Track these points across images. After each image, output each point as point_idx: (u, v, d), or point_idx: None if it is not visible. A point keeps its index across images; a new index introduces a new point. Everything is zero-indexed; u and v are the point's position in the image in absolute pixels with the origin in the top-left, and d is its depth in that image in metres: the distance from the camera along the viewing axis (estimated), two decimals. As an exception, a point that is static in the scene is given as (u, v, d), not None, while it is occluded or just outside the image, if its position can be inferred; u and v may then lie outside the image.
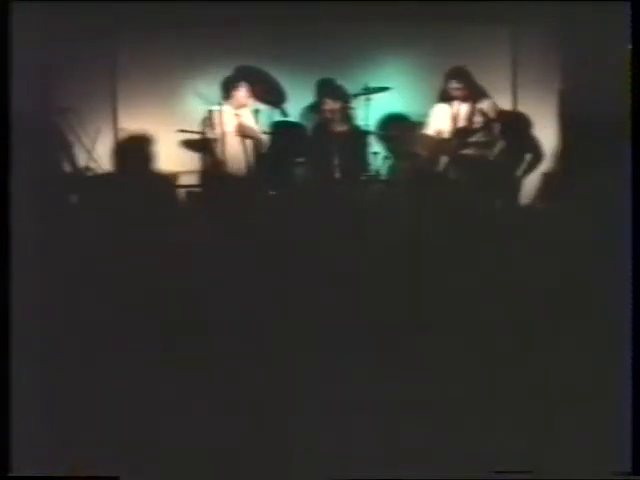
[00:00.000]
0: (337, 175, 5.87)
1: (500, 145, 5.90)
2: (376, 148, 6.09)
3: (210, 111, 6.03)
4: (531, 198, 6.00)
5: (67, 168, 5.75)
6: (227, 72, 6.24)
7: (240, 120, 6.05)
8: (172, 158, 5.95)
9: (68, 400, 3.21)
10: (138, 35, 6.35)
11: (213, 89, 6.22)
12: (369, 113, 5.92)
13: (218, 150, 5.97)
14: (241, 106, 6.10)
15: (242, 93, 6.09)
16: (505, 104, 6.13)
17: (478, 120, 5.90)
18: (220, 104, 6.04)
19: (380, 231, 4.54)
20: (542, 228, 4.59)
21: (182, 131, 6.17)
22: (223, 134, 5.97)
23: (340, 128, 6.06)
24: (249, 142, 6.06)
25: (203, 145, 6.02)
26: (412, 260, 4.12)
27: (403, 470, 2.87)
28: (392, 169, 6.07)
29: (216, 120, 5.97)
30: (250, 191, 5.70)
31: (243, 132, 6.02)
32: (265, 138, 6.08)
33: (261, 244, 4.28)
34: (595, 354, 3.42)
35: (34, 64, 5.24)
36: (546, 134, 6.14)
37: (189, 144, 6.07)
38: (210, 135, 5.98)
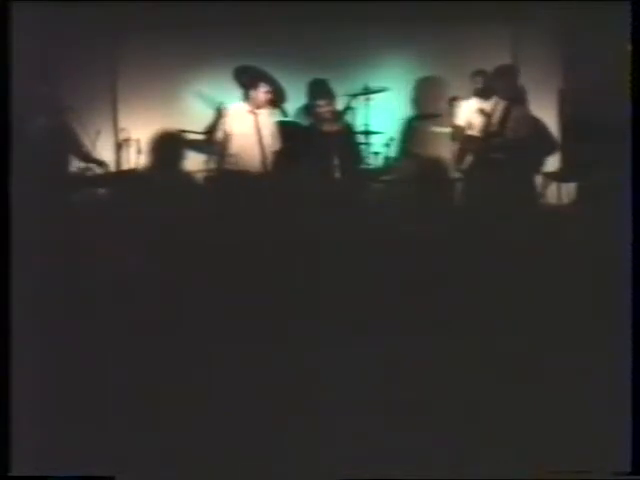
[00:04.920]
0: (337, 175, 5.86)
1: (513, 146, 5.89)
2: (376, 148, 6.08)
3: (221, 109, 5.99)
4: (531, 197, 6.01)
5: (68, 168, 5.76)
6: (227, 72, 6.24)
7: (258, 119, 6.02)
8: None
9: (68, 400, 3.21)
10: (138, 35, 6.35)
11: (218, 88, 6.22)
12: (369, 113, 5.92)
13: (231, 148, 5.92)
14: (260, 106, 6.06)
15: (262, 93, 6.03)
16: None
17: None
18: (236, 102, 6.01)
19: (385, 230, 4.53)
20: (541, 228, 4.59)
21: (182, 131, 6.17)
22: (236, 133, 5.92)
23: (338, 128, 6.05)
24: (266, 141, 6.03)
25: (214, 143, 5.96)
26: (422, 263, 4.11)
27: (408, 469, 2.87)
28: (393, 169, 6.06)
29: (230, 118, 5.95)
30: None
31: (260, 131, 5.99)
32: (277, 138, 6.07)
33: (265, 243, 4.27)
34: (595, 353, 3.42)
35: (34, 64, 5.24)
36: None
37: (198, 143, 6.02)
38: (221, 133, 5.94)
